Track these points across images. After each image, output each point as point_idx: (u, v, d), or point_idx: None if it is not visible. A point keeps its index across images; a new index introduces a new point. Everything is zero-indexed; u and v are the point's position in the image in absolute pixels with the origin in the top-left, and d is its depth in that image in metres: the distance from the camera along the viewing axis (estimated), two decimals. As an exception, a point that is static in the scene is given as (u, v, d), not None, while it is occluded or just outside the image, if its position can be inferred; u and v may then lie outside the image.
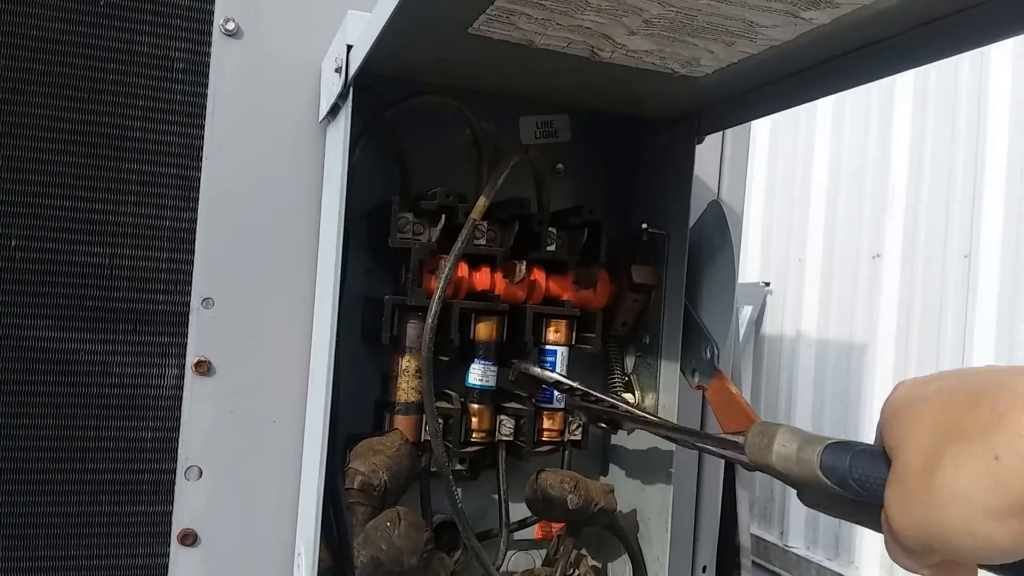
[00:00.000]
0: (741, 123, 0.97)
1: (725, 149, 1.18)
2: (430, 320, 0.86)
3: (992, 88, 3.21)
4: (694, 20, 0.68)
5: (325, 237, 0.94)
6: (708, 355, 0.95)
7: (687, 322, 0.98)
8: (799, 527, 4.11)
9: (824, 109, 4.09)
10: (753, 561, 4.47)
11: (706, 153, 1.17)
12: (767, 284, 4.45)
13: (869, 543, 3.69)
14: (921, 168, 3.54)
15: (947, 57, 0.66)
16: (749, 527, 1.29)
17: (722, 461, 1.20)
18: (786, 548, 4.11)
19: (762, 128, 4.59)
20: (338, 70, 0.83)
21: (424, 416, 0.92)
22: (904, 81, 3.65)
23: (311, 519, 0.86)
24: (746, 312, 4.47)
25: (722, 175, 1.18)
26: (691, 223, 1.00)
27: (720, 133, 1.18)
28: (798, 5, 0.64)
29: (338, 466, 0.92)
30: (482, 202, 0.90)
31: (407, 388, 0.94)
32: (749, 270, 4.62)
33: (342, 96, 0.85)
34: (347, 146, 0.83)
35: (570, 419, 1.02)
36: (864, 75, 0.74)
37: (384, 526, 0.81)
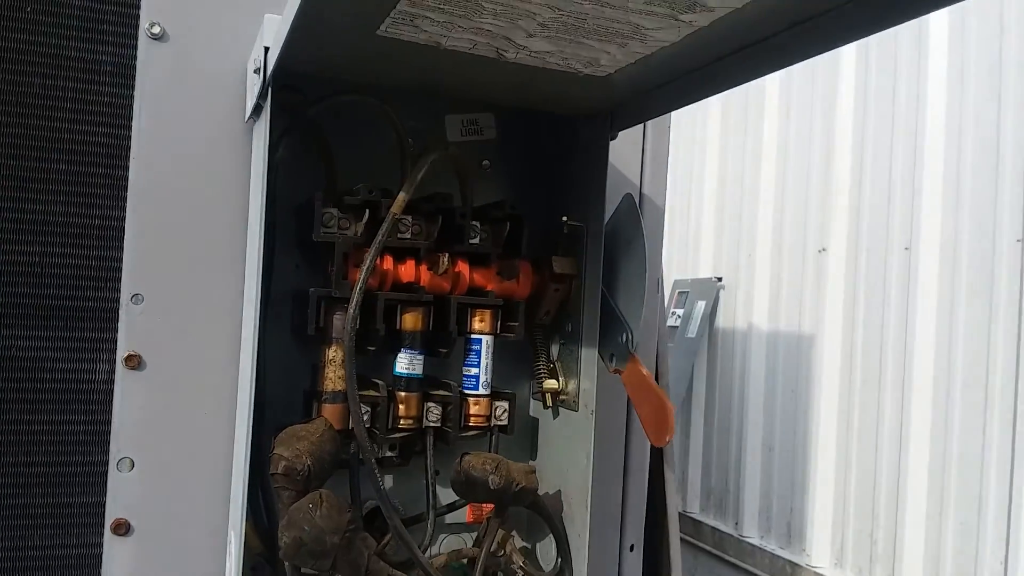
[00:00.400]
0: (649, 118, 1.02)
1: (646, 144, 1.23)
2: (351, 310, 0.89)
3: (930, 85, 3.33)
4: (584, 23, 0.73)
5: (250, 233, 0.97)
6: (623, 340, 1.00)
7: (604, 309, 1.03)
8: (753, 517, 4.20)
9: (771, 106, 4.20)
10: (709, 551, 4.55)
11: (628, 148, 1.23)
12: (719, 279, 4.54)
13: (820, 531, 3.79)
14: (863, 164, 3.65)
15: (823, 53, 0.71)
16: (677, 507, 1.34)
17: (647, 445, 1.25)
18: (740, 538, 4.20)
19: (713, 128, 4.69)
20: (257, 71, 0.87)
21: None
22: (846, 76, 3.76)
23: (239, 506, 0.90)
24: (699, 307, 4.57)
25: (644, 169, 1.23)
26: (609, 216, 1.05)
27: (641, 129, 1.23)
28: (676, 8, 0.68)
29: (267, 455, 0.95)
30: (401, 197, 0.93)
31: (334, 377, 0.97)
32: (703, 266, 4.71)
33: (262, 96, 0.88)
34: (267, 144, 0.87)
35: (496, 404, 1.06)
36: (749, 72, 0.79)
37: (306, 508, 0.85)
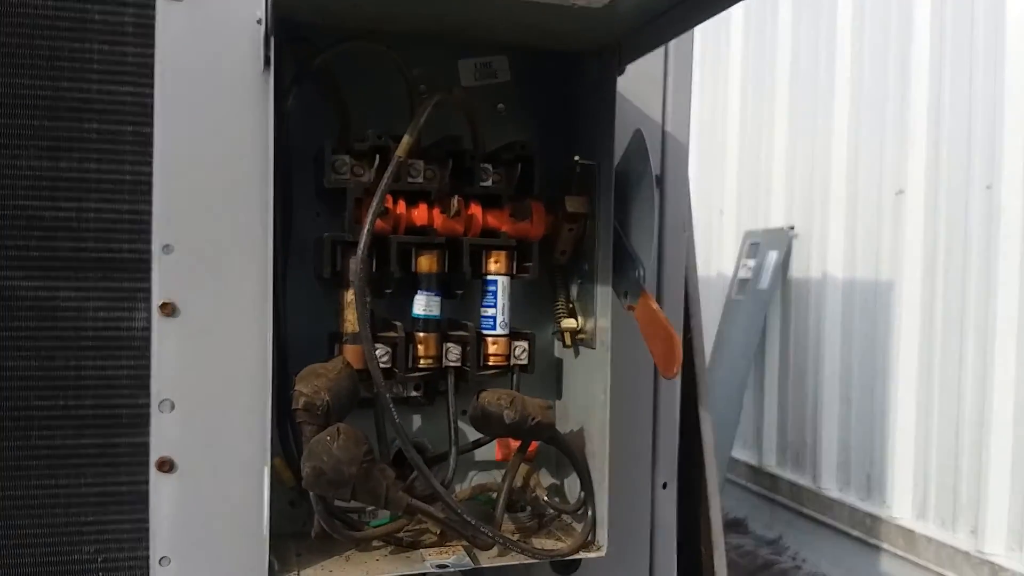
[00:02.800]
0: (656, 47, 1.00)
1: (668, 80, 1.21)
2: (360, 251, 0.92)
3: (1009, 15, 3.12)
4: (561, -54, 0.72)
5: (265, 181, 1.01)
6: (636, 276, 0.99)
7: (618, 247, 1.02)
8: (831, 470, 4.12)
9: (843, 41, 4.01)
10: (786, 505, 4.49)
11: (648, 85, 1.21)
12: (792, 228, 4.41)
13: (901, 483, 3.69)
14: (941, 98, 3.46)
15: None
16: (715, 447, 1.34)
17: (678, 385, 1.25)
18: (819, 491, 4.13)
19: (782, 71, 4.52)
20: (259, 21, 0.89)
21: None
22: (921, 11, 3.56)
23: (267, 442, 0.95)
24: (771, 257, 4.46)
25: (666, 105, 1.21)
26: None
27: (662, 65, 1.20)
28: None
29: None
30: (406, 140, 0.95)
31: (352, 319, 1.00)
32: (774, 215, 4.58)
33: (267, 46, 0.91)
34: (272, 94, 0.89)
35: (515, 344, 1.08)
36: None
37: (324, 440, 0.88)
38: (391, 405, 0.92)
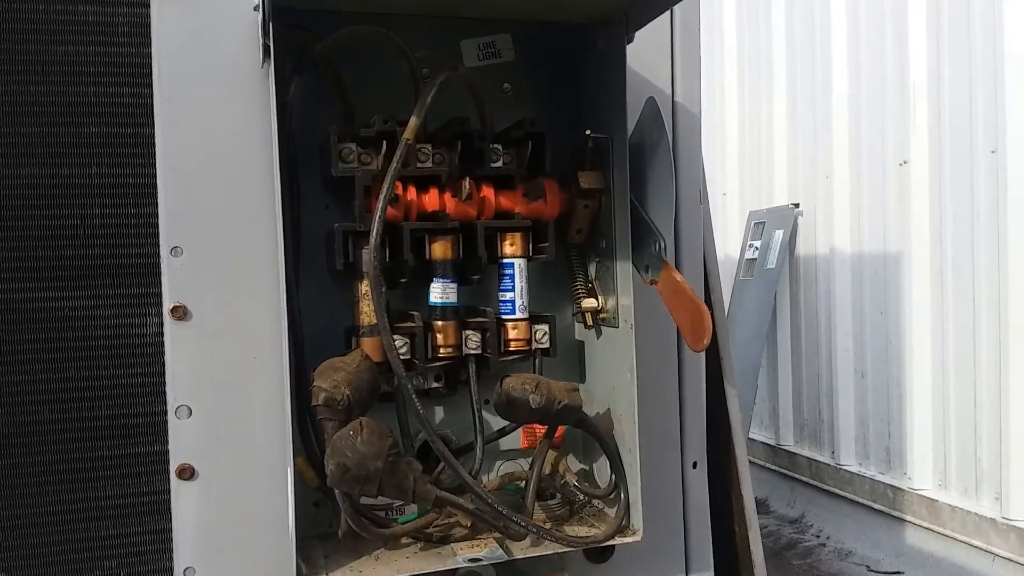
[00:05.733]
0: (665, 9, 0.97)
1: (675, 50, 1.18)
2: (373, 240, 0.89)
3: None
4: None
5: (272, 176, 0.98)
6: (656, 248, 0.97)
7: (636, 220, 1.00)
8: (849, 445, 4.09)
9: (838, 16, 3.98)
10: (806, 483, 4.45)
11: (656, 56, 1.18)
12: (796, 206, 4.38)
13: (921, 453, 3.67)
14: (940, 63, 3.42)
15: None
16: (742, 423, 1.31)
17: (701, 360, 1.22)
18: (838, 467, 4.10)
19: (778, 46, 4.48)
20: (256, 7, 0.86)
21: (389, 336, 0.97)
22: (916, -23, 3.52)
23: (288, 441, 0.92)
24: (777, 236, 4.43)
25: (675, 75, 1.19)
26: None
27: (668, 34, 1.18)
28: None
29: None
30: (413, 122, 0.92)
31: (368, 311, 0.98)
32: (778, 194, 4.55)
33: (265, 34, 0.88)
34: (273, 85, 0.87)
35: (536, 328, 1.05)
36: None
37: (347, 435, 0.86)
38: (414, 396, 0.90)
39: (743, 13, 4.85)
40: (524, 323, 1.04)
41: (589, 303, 1.07)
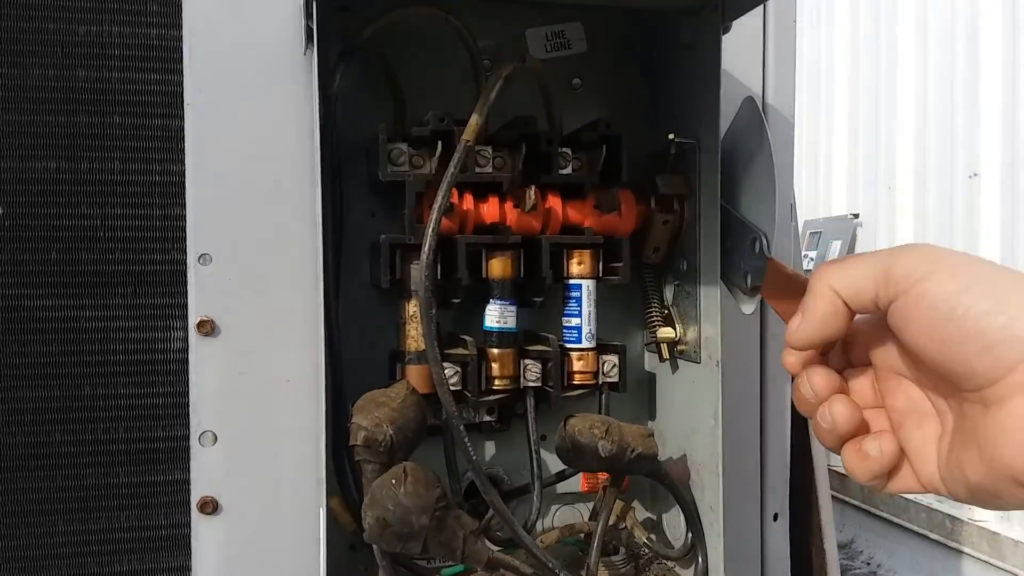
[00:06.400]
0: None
1: (768, 42, 1.05)
2: (425, 256, 0.77)
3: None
4: None
5: (313, 177, 0.86)
6: (757, 248, 0.82)
7: (728, 227, 0.86)
8: (906, 469, 3.90)
9: (905, 16, 3.78)
10: (857, 507, 4.27)
11: (744, 51, 1.04)
12: (856, 216, 4.18)
13: (983, 482, 3.46)
14: (1016, 72, 3.22)
15: None
16: (827, 470, 1.17)
17: (787, 402, 1.08)
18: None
19: (841, 53, 4.29)
20: (299, -12, 0.75)
21: (437, 364, 0.85)
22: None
23: (322, 478, 0.81)
24: (835, 247, 4.24)
25: (766, 74, 1.05)
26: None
27: (761, 27, 1.04)
28: None
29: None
30: (474, 121, 0.80)
31: (415, 335, 0.86)
32: (836, 203, 4.36)
33: (308, 15, 0.77)
34: (316, 75, 0.75)
35: (603, 358, 0.92)
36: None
37: (389, 484, 0.74)
38: (465, 439, 0.77)
39: (804, 13, 4.67)
40: (591, 353, 0.91)
41: (666, 333, 0.94)
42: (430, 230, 0.78)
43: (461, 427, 0.77)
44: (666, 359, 0.95)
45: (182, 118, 0.91)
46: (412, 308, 0.86)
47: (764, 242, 0.80)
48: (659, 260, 0.95)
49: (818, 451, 1.16)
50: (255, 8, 0.91)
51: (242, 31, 0.91)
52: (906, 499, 3.86)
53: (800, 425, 1.14)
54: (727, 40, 0.87)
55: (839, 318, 0.56)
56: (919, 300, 0.51)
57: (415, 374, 0.86)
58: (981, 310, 0.48)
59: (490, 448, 0.99)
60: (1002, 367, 0.47)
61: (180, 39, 0.91)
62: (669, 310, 0.96)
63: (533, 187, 0.86)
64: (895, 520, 3.89)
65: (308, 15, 0.76)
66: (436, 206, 0.78)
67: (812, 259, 4.27)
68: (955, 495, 0.54)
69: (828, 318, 0.56)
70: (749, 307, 0.86)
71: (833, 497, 3.86)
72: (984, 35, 3.35)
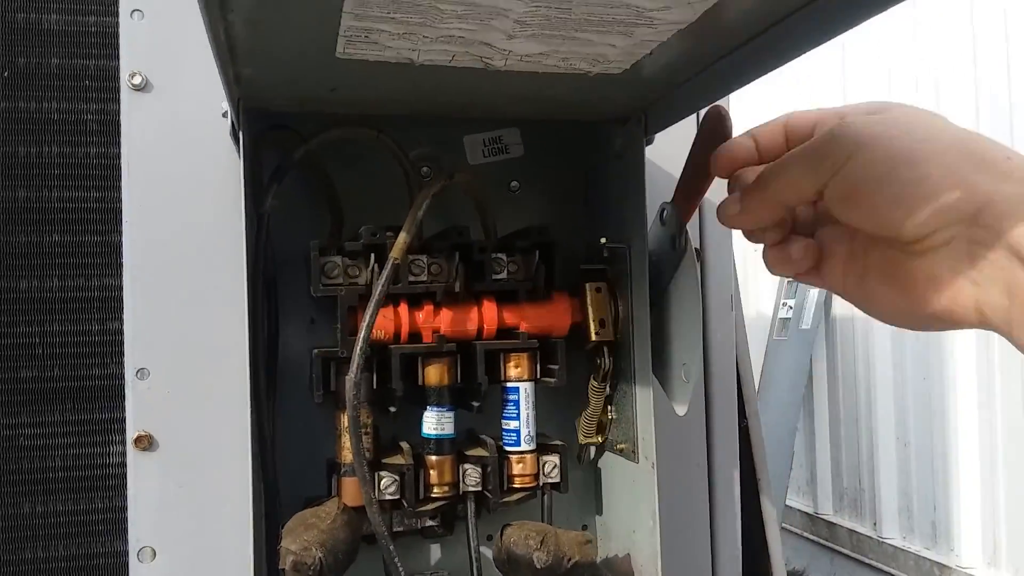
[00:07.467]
0: (690, 114, 0.86)
1: (701, 141, 1.07)
2: (352, 374, 0.78)
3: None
4: (570, 14, 0.58)
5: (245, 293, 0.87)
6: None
7: (658, 341, 0.87)
8: (892, 517, 3.87)
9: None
10: (847, 555, 4.22)
11: (680, 149, 1.06)
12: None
13: (969, 529, 3.45)
14: (978, 103, 3.28)
15: (870, 18, 0.54)
16: (782, 550, 1.16)
17: (736, 481, 1.09)
18: (880, 540, 3.88)
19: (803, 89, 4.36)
20: (224, 114, 0.77)
21: (375, 475, 0.85)
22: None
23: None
24: (812, 295, 4.26)
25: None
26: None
27: (695, 125, 1.06)
28: (677, -20, 0.53)
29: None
30: (403, 239, 0.81)
31: (349, 448, 0.86)
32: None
33: (237, 142, 0.78)
34: (244, 192, 0.77)
35: (544, 459, 0.93)
36: (804, 41, 0.62)
37: (319, 608, 0.74)
38: (395, 557, 0.77)
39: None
40: (531, 456, 0.92)
41: (590, 439, 0.94)
42: (358, 350, 0.78)
43: (391, 547, 0.77)
44: (587, 462, 0.96)
45: (120, 233, 0.92)
46: (346, 420, 0.86)
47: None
48: (611, 336, 0.94)
49: (772, 532, 1.16)
50: (192, 126, 0.92)
51: (180, 147, 0.92)
52: (894, 547, 3.83)
53: (753, 505, 1.14)
54: (665, 137, 0.90)
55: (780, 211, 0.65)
56: (848, 178, 0.57)
57: (350, 487, 0.85)
58: (905, 187, 0.54)
59: (435, 552, 0.99)
60: (928, 228, 0.53)
61: (119, 157, 0.92)
62: (608, 410, 0.96)
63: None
64: (884, 568, 3.86)
65: (236, 141, 0.78)
66: (364, 325, 0.79)
67: (791, 307, 4.29)
68: (857, 306, 0.64)
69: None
70: (682, 409, 0.87)
71: (822, 545, 3.81)
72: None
